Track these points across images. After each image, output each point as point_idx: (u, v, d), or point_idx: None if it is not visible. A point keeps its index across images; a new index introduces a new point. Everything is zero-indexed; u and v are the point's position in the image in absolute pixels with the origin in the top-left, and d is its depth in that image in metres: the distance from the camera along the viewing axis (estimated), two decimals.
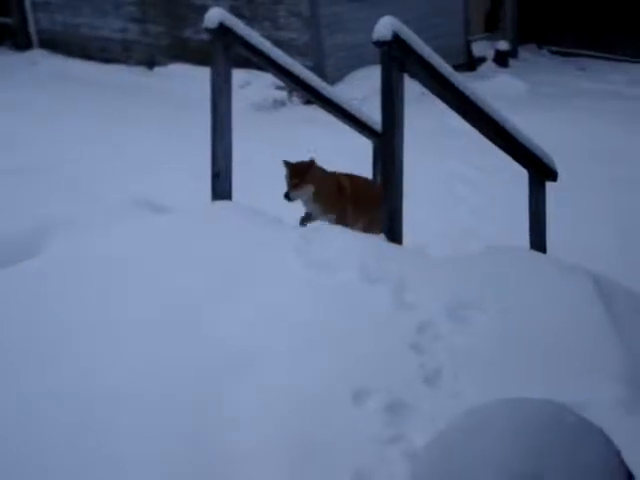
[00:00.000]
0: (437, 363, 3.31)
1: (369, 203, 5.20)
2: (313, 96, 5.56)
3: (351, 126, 5.87)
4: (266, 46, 5.16)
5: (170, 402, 3.06)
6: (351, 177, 5.48)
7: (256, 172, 7.71)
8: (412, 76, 4.42)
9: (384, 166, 4.46)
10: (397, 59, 4.24)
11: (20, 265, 4.21)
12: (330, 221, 5.06)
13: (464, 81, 4.60)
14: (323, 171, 5.26)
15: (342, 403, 3.05)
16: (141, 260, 4.17)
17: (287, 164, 5.09)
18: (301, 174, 5.02)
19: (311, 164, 5.09)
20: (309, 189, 5.08)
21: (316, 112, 11.40)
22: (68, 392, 3.14)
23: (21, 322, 3.64)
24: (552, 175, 5.20)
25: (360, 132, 5.97)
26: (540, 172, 5.15)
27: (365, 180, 5.70)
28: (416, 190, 5.51)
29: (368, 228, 5.14)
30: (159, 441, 2.88)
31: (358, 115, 5.77)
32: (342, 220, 5.11)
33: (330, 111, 5.73)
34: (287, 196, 5.03)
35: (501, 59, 15.25)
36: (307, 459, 2.79)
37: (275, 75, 5.48)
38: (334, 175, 5.37)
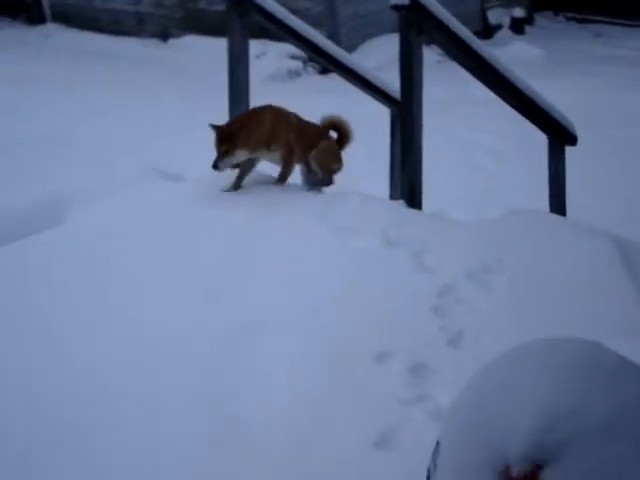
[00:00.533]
0: (459, 326, 3.32)
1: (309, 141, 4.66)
2: (330, 63, 5.54)
3: (369, 93, 5.84)
4: (282, 13, 5.14)
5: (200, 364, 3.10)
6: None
7: None
8: (431, 41, 4.40)
9: (403, 131, 4.45)
10: (415, 23, 4.22)
11: (43, 233, 4.24)
12: (277, 157, 4.52)
13: (483, 45, 4.58)
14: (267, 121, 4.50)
15: (365, 365, 3.08)
16: (159, 229, 4.20)
17: (214, 128, 4.27)
18: (230, 139, 4.21)
19: (240, 127, 4.28)
20: (243, 154, 4.32)
21: (332, 82, 11.39)
22: (116, 340, 3.18)
23: (49, 289, 3.69)
24: (571, 139, 5.18)
25: (378, 99, 5.94)
26: (559, 136, 5.13)
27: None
28: (434, 157, 5.50)
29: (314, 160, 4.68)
30: (185, 393, 2.92)
31: (376, 82, 5.74)
32: (290, 154, 4.52)
33: (347, 79, 5.71)
34: (215, 166, 4.20)
35: (517, 26, 15.11)
36: (332, 419, 2.82)
37: (291, 42, 5.47)
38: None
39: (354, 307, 3.42)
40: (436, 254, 3.80)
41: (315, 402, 2.88)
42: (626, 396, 0.89)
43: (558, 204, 5.18)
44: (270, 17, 5.11)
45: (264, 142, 4.43)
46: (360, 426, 2.79)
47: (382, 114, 6.61)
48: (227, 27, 5.20)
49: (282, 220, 4.17)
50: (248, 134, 4.31)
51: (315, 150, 4.65)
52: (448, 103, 9.73)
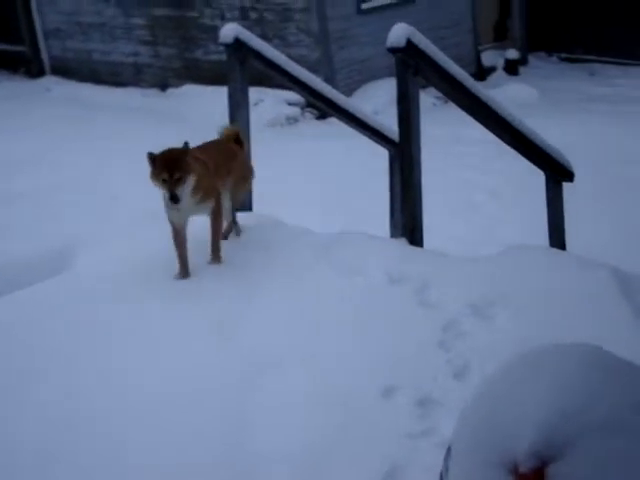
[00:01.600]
0: (463, 359, 3.36)
1: (227, 166, 4.50)
2: (329, 107, 5.63)
3: (367, 135, 5.94)
4: (281, 59, 5.25)
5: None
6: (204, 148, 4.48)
7: (272, 188, 7.79)
8: (427, 81, 4.49)
9: (402, 170, 4.52)
10: (411, 65, 4.31)
11: (48, 281, 4.30)
12: (207, 210, 4.23)
13: (478, 85, 4.67)
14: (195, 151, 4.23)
15: (373, 400, 3.11)
16: (161, 272, 4.25)
17: (153, 157, 3.89)
18: (179, 164, 3.88)
19: (186, 150, 3.97)
20: (192, 180, 3.97)
21: (329, 127, 11.53)
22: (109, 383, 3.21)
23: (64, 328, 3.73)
24: (568, 175, 5.25)
25: (376, 141, 6.03)
26: (556, 172, 5.20)
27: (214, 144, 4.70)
28: (432, 196, 5.56)
29: (235, 191, 4.60)
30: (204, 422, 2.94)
31: (374, 124, 5.84)
32: (218, 203, 4.28)
33: (346, 121, 5.80)
34: (174, 198, 3.87)
35: (511, 68, 15.30)
36: (341, 454, 2.84)
37: (290, 87, 5.56)
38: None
39: (360, 343, 3.46)
40: (439, 290, 3.85)
41: (324, 437, 2.90)
42: (628, 395, 0.94)
43: (558, 239, 5.23)
44: (269, 63, 5.21)
45: (205, 187, 4.09)
46: (369, 460, 2.81)
47: (380, 157, 6.70)
48: (227, 73, 5.30)
49: (285, 259, 4.24)
50: (194, 160, 4.02)
51: (234, 187, 4.57)
52: (444, 143, 9.83)
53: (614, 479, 0.90)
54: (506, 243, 6.14)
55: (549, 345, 1.01)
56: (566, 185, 5.34)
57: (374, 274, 4.01)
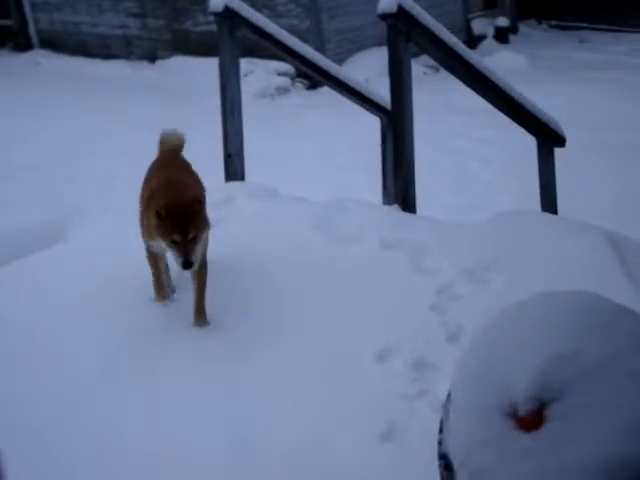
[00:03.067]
0: (458, 322, 3.39)
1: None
2: (321, 75, 5.62)
3: (359, 104, 5.93)
4: (272, 27, 5.23)
5: None
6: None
7: (260, 160, 7.79)
8: (418, 47, 4.49)
9: (395, 138, 4.53)
10: (403, 31, 4.31)
11: (43, 252, 4.30)
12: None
13: (470, 51, 4.67)
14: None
15: (369, 364, 3.14)
16: None
17: (159, 212, 3.16)
18: (194, 221, 3.21)
19: (198, 199, 3.30)
20: (206, 234, 3.41)
21: (320, 97, 11.51)
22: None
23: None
24: (560, 141, 5.26)
25: (368, 109, 6.03)
26: (548, 138, 5.21)
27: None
28: (424, 165, 5.58)
29: None
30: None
31: (366, 92, 5.83)
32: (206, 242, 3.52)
33: (338, 90, 5.79)
34: (187, 265, 3.18)
35: (501, 36, 15.27)
36: (339, 416, 2.88)
37: (282, 55, 5.55)
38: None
39: (357, 309, 3.49)
40: (433, 255, 3.88)
41: (322, 401, 2.94)
42: (621, 336, 0.96)
43: (549, 204, 5.26)
44: (260, 32, 5.19)
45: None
46: (366, 421, 2.85)
47: (370, 127, 6.69)
48: (217, 43, 5.28)
49: (279, 227, 4.26)
50: (203, 209, 3.36)
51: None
52: (435, 112, 9.83)
53: (613, 418, 0.93)
54: (498, 210, 6.20)
55: (545, 292, 1.03)
56: (557, 151, 5.36)
57: (369, 241, 4.04)
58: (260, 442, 2.78)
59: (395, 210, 4.46)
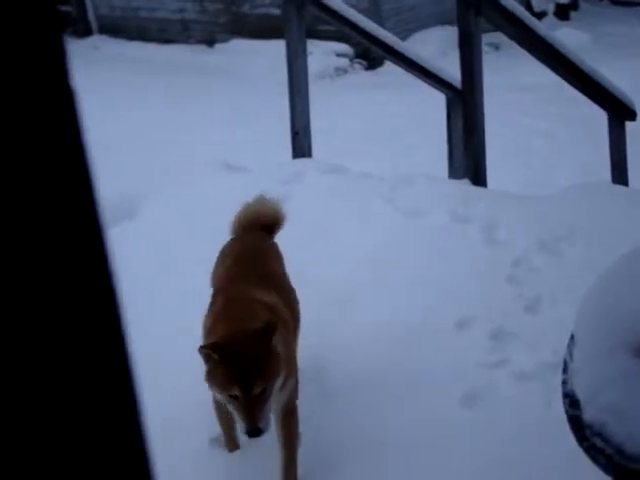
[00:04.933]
0: (534, 293, 3.39)
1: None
2: (386, 51, 5.62)
3: (424, 80, 5.91)
4: (337, 3, 5.24)
5: None
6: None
7: (324, 138, 7.82)
8: (488, 20, 4.47)
9: (466, 113, 4.53)
10: (473, 4, 4.29)
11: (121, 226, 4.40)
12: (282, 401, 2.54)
13: (538, 22, 4.63)
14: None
15: (447, 333, 3.16)
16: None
17: (210, 354, 2.28)
18: (262, 368, 2.29)
19: (268, 331, 2.32)
20: (280, 380, 2.39)
21: (379, 77, 11.48)
22: None
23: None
24: (631, 114, 5.19)
25: (433, 86, 6.01)
26: (619, 111, 5.15)
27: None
28: (489, 142, 5.54)
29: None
30: None
31: (432, 68, 5.81)
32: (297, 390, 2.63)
33: (403, 66, 5.78)
34: (254, 432, 2.26)
35: (562, 12, 15.03)
36: (419, 382, 2.91)
37: (348, 33, 5.57)
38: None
39: (432, 281, 3.51)
40: (506, 227, 3.87)
41: (403, 368, 2.97)
42: None
43: (620, 177, 5.20)
44: (326, 9, 5.21)
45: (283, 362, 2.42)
46: (446, 388, 2.87)
47: (431, 106, 6.67)
48: (283, 22, 5.31)
49: (350, 202, 4.28)
50: (282, 344, 2.45)
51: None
52: (499, 89, 9.71)
53: None
54: (565, 185, 6.14)
55: None
56: (628, 126, 5.30)
57: (439, 214, 4.04)
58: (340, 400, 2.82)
59: (465, 184, 4.45)
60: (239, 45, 13.98)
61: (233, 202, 4.36)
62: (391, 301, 3.36)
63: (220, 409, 2.60)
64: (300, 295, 3.44)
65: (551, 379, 2.85)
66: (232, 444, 2.78)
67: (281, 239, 3.86)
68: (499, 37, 10.06)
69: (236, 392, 2.23)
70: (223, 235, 3.43)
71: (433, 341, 3.12)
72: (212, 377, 2.29)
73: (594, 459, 1.15)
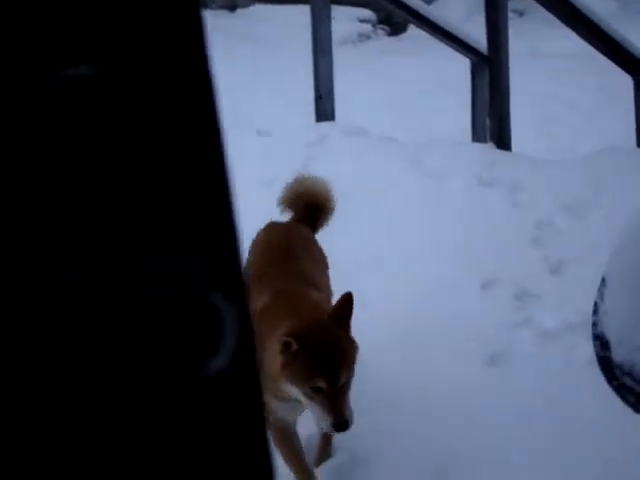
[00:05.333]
0: (559, 255, 3.41)
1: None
2: (411, 15, 5.60)
3: (449, 44, 5.89)
4: None
5: None
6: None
7: (347, 102, 7.80)
8: None
9: (492, 76, 4.52)
10: None
11: None
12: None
13: None
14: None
15: (472, 292, 3.19)
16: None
17: (296, 345, 2.10)
18: (348, 357, 2.17)
19: (347, 318, 2.21)
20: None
21: (401, 43, 11.40)
22: None
23: None
24: None
25: (458, 50, 5.99)
26: None
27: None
28: (512, 109, 5.53)
29: None
30: None
31: (457, 33, 5.79)
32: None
33: (427, 30, 5.76)
34: (343, 425, 2.10)
35: None
36: (446, 341, 2.94)
37: None
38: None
39: (457, 242, 3.53)
40: (531, 191, 3.88)
41: (431, 325, 3.01)
42: None
43: None
44: None
45: None
46: (472, 346, 2.91)
47: (454, 73, 6.64)
48: None
49: (376, 166, 4.30)
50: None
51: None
52: (521, 56, 9.64)
53: None
54: (588, 151, 6.13)
55: None
56: None
57: (464, 177, 4.05)
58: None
59: (490, 147, 4.46)
60: (260, 10, 13.92)
61: (260, 164, 4.41)
62: (418, 263, 3.39)
63: (281, 439, 2.29)
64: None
65: (574, 338, 2.89)
66: (304, 474, 2.34)
67: None
68: (524, 3, 10.00)
69: (321, 384, 2.06)
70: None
71: (458, 302, 3.15)
72: (291, 370, 2.08)
73: (624, 398, 1.19)
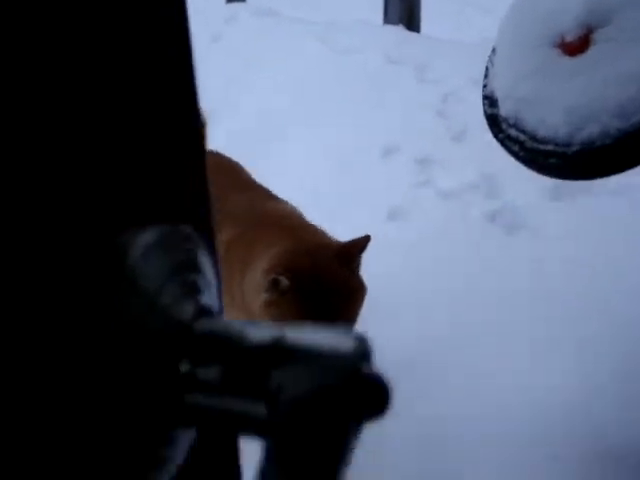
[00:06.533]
0: (462, 124, 3.45)
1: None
2: None
3: None
4: None
5: None
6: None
7: None
8: None
9: None
10: None
11: None
12: None
13: None
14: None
15: (375, 158, 3.22)
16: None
17: (285, 283, 1.59)
18: (352, 301, 1.66)
19: (362, 245, 1.74)
20: None
21: None
22: None
23: None
24: None
25: None
26: None
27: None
28: None
29: None
30: None
31: None
32: None
33: None
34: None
35: None
36: (349, 200, 2.98)
37: None
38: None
39: (362, 112, 3.55)
40: (439, 68, 3.90)
41: (333, 186, 3.03)
42: None
43: None
44: None
45: None
46: (374, 205, 2.95)
47: None
48: None
49: (285, 41, 4.26)
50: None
51: None
52: None
53: None
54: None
55: None
56: None
57: (373, 55, 4.05)
58: None
59: (399, 29, 4.45)
60: None
61: None
62: (319, 129, 3.40)
63: None
64: (234, 125, 3.46)
65: (472, 197, 2.96)
66: None
67: (213, 74, 3.83)
68: None
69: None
70: None
71: (363, 166, 3.18)
72: (275, 310, 1.61)
73: (509, 149, 1.23)
